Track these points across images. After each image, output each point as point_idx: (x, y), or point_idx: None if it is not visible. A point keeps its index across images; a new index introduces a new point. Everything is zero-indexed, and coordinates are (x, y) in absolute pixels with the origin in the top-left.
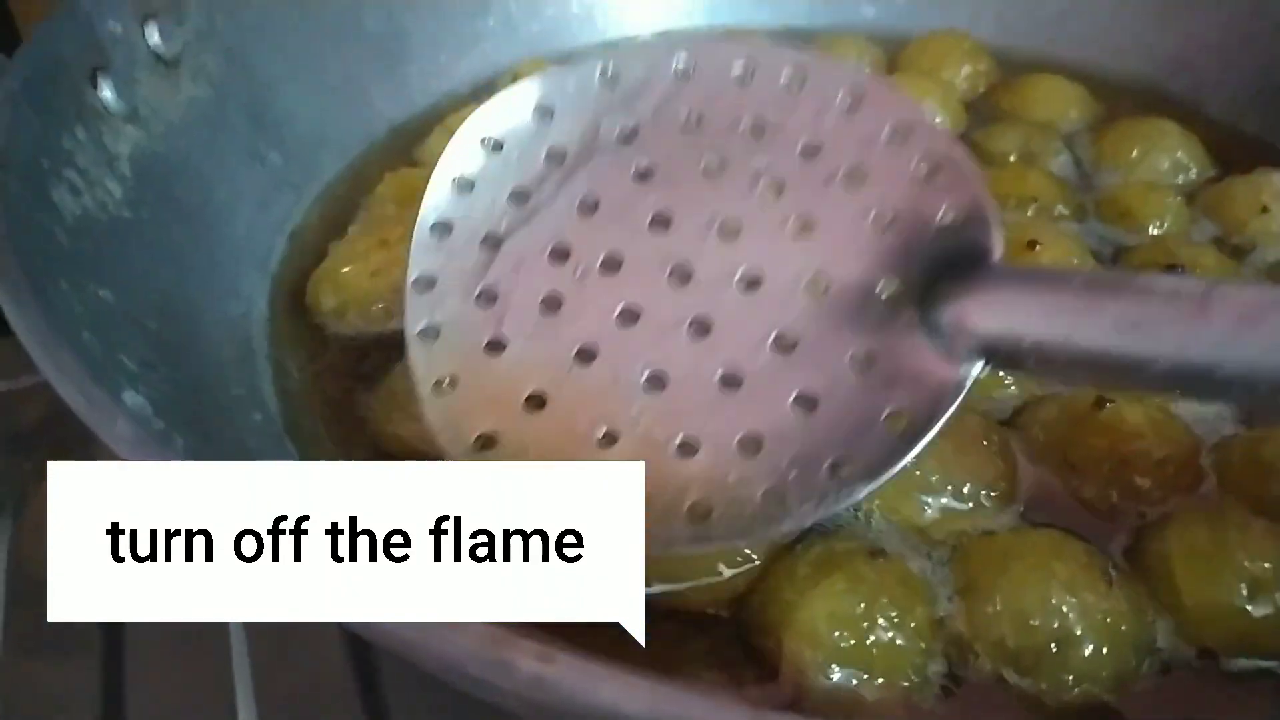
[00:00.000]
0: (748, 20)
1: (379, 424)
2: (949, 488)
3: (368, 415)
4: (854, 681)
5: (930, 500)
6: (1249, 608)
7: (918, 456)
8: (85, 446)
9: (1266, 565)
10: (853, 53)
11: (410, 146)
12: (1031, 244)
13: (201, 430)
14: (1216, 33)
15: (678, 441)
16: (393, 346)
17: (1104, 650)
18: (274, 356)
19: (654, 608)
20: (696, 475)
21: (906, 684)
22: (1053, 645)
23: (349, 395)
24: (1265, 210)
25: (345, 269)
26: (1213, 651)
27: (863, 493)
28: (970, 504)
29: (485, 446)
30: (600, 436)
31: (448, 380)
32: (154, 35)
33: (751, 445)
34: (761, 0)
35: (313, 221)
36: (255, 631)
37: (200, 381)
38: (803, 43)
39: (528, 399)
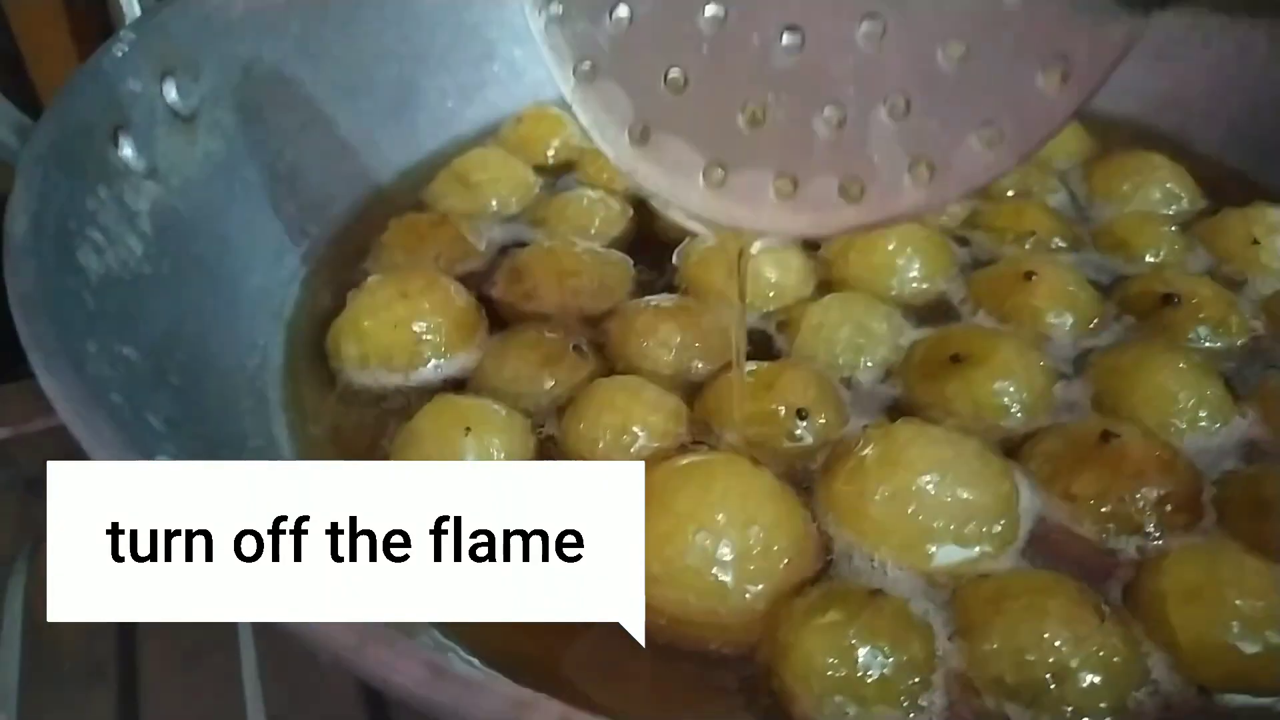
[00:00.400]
0: None
1: None
2: (952, 528)
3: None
4: (850, 712)
5: (936, 548)
6: (1241, 646)
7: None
8: None
9: (1259, 604)
10: None
11: (417, 190)
12: (1028, 274)
13: None
14: (1203, 74)
15: (824, 111)
16: (413, 396)
17: (1099, 683)
18: (291, 406)
19: (674, 651)
20: (846, 149)
21: (905, 715)
22: (1049, 680)
23: (367, 446)
24: (1255, 243)
25: (366, 321)
26: (1208, 689)
27: (1013, 161)
28: (976, 548)
29: (641, 140)
30: (746, 114)
31: (586, 66)
32: (171, 92)
33: (899, 107)
34: None
35: (324, 268)
36: (270, 665)
37: (221, 436)
38: None
39: (669, 78)
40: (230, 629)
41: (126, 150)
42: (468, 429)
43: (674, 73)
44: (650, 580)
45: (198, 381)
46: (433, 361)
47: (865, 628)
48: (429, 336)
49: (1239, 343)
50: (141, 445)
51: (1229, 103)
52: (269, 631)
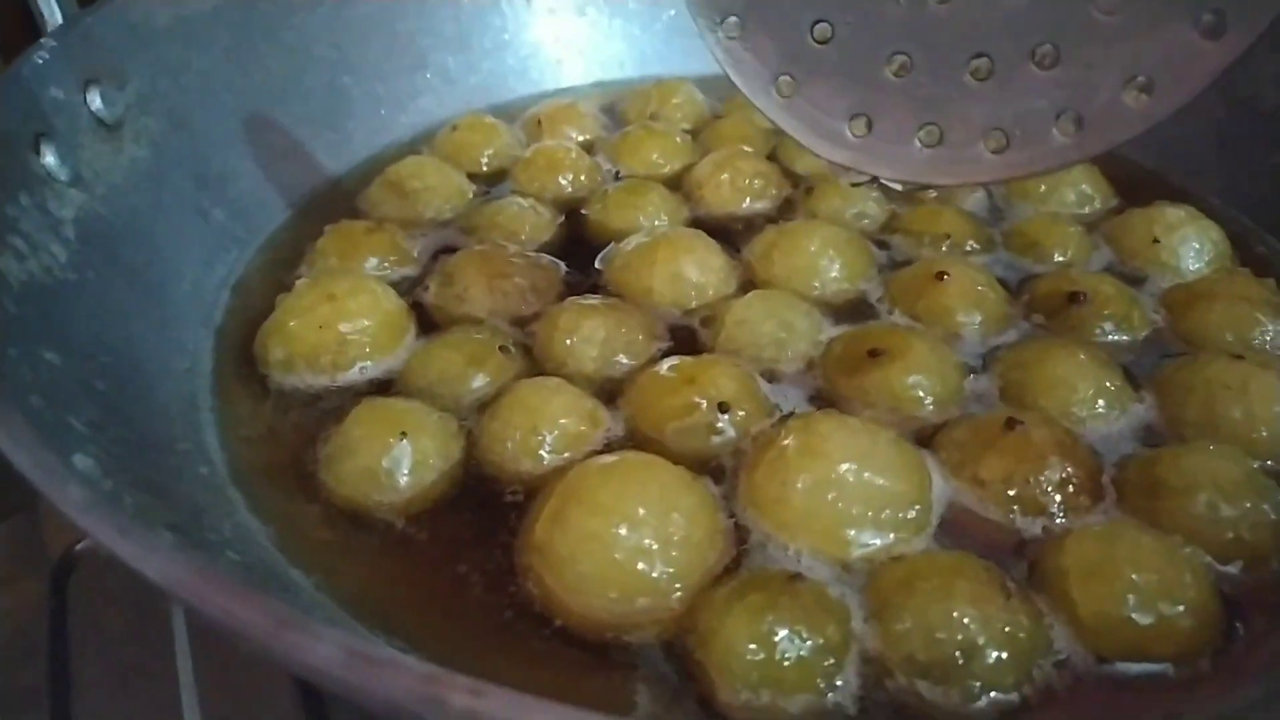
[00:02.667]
0: (679, 70)
1: (329, 479)
2: (870, 515)
3: (317, 468)
4: (765, 696)
5: (854, 534)
6: (1136, 617)
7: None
8: (32, 500)
9: (1153, 578)
10: None
11: (352, 196)
12: (940, 274)
13: (149, 487)
14: None
15: (970, 61)
16: (341, 397)
17: (1005, 657)
18: (220, 409)
19: (591, 642)
20: (994, 100)
21: (819, 697)
22: (959, 655)
23: (297, 447)
24: (1156, 241)
25: (293, 322)
26: (1108, 658)
27: (1165, 113)
28: (891, 533)
29: (787, 93)
30: (892, 63)
31: (732, 20)
32: (96, 100)
33: (1049, 57)
34: (689, 52)
35: (256, 274)
36: (208, 681)
37: (147, 438)
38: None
39: (815, 30)
40: (168, 646)
41: (49, 158)
42: (403, 434)
43: (821, 26)
44: (578, 578)
45: (124, 386)
46: (359, 364)
47: (785, 611)
48: (355, 338)
49: (1141, 336)
50: (58, 445)
51: None
52: (206, 645)
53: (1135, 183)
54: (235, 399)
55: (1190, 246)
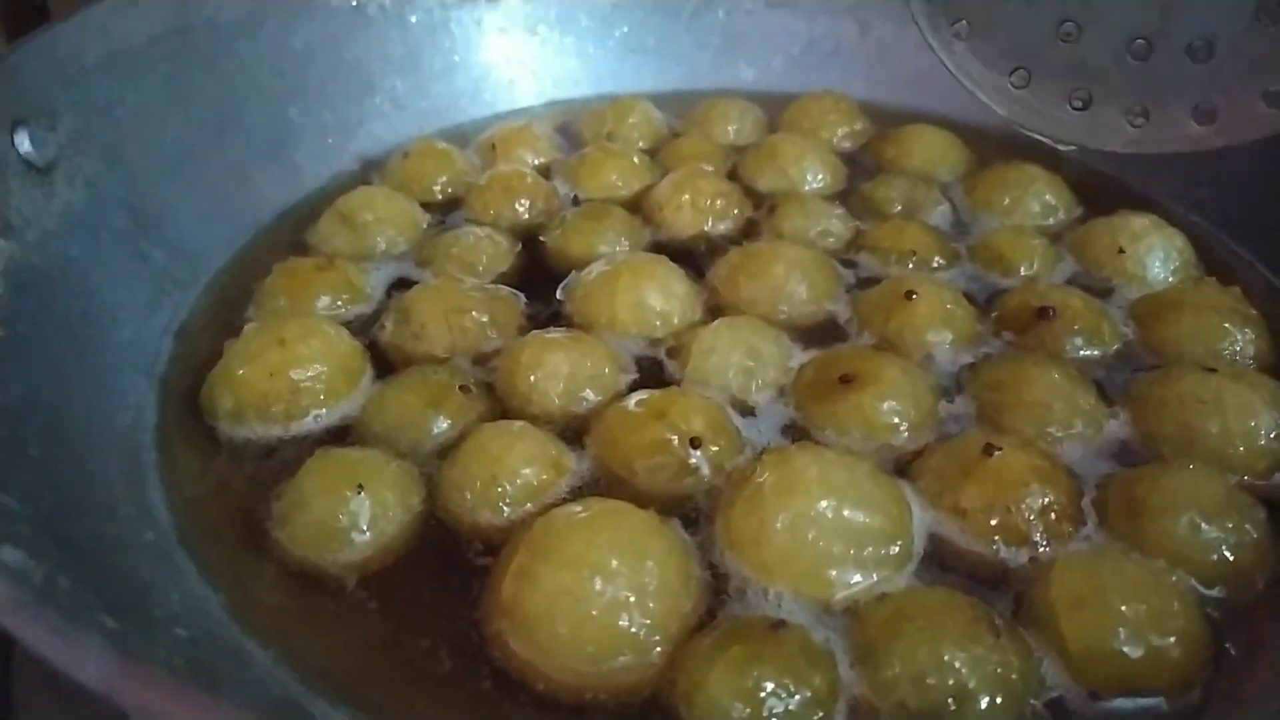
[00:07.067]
0: (632, 87)
1: (283, 537)
2: (852, 553)
3: (271, 525)
4: None
5: (837, 574)
6: (1126, 650)
7: None
8: None
9: (1141, 607)
10: (734, 114)
11: (300, 230)
12: (908, 293)
13: (88, 564)
14: None
15: (1134, 42)
16: (297, 448)
17: (999, 700)
18: (165, 467)
19: (575, 706)
20: (1143, 79)
21: None
22: (950, 701)
23: (250, 504)
24: (1122, 251)
25: (241, 370)
26: (1099, 694)
27: None
28: (874, 571)
29: (957, 37)
30: (1061, 31)
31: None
32: (24, 143)
33: (1202, 52)
34: (643, 68)
35: (201, 318)
36: None
37: (86, 505)
38: (686, 107)
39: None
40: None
41: None
42: (360, 486)
43: (1066, 22)
44: (552, 638)
45: (61, 448)
46: (313, 411)
47: (769, 663)
48: (308, 385)
49: (1112, 350)
50: None
51: None
52: None
53: (1096, 189)
54: (182, 455)
55: (1156, 255)
